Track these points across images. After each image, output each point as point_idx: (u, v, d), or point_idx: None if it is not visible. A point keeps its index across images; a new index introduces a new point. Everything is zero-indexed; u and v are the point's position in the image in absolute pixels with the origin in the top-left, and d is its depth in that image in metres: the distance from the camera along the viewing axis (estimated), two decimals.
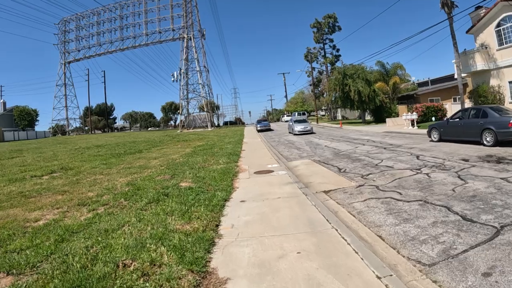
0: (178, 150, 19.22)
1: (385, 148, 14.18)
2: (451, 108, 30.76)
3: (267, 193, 7.03)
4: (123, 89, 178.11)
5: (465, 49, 27.10)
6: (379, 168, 9.64)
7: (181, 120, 61.91)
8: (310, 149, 16.22)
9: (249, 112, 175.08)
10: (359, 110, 49.70)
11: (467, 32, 28.28)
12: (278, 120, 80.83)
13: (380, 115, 36.73)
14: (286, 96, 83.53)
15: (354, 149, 14.68)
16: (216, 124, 75.01)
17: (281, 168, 10.41)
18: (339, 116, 56.38)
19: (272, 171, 9.89)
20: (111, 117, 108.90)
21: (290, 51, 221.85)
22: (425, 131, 21.01)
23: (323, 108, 71.04)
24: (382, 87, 35.95)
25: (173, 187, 7.54)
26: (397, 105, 36.84)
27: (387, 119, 30.98)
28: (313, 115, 63.69)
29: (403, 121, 31.66)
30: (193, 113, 62.54)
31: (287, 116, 66.76)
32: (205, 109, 57.41)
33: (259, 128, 38.28)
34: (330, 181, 8.51)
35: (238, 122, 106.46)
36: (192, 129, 57.56)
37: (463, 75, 41.89)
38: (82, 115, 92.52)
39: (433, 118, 26.39)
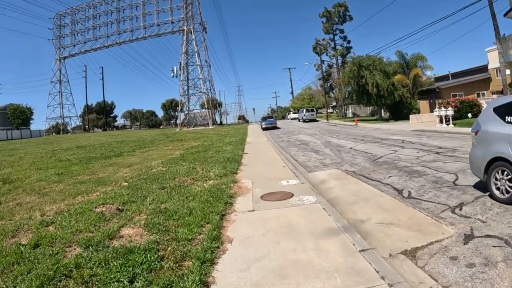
0: (166, 153, 15.54)
1: (438, 153, 10.36)
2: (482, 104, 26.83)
3: (292, 264, 3.23)
4: (124, 87, 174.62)
5: (504, 35, 23.24)
6: (465, 191, 5.84)
7: (181, 119, 58.15)
8: (332, 153, 12.42)
9: (253, 109, 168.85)
10: (373, 107, 45.87)
11: (505, 15, 24.37)
12: (283, 117, 76.91)
13: (399, 111, 32.81)
14: (292, 92, 79.40)
15: (394, 154, 10.87)
16: (219, 122, 71.28)
17: (304, 188, 6.62)
18: (349, 113, 52.41)
19: (290, 195, 6.10)
20: (111, 115, 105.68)
21: (295, 46, 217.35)
22: (465, 129, 17.29)
23: (330, 105, 67.07)
24: (401, 80, 32.00)
25: (99, 244, 3.78)
26: (417, 101, 32.90)
27: (411, 116, 27.08)
28: (321, 113, 59.72)
29: (429, 117, 27.79)
30: (193, 110, 58.82)
31: (293, 113, 62.86)
32: (206, 106, 53.63)
33: (264, 126, 34.39)
34: (399, 220, 4.73)
35: (241, 120, 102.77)
36: (193, 127, 53.90)
37: (491, 66, 37.84)
38: (82, 113, 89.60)
39: (469, 115, 22.48)
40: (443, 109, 20.79)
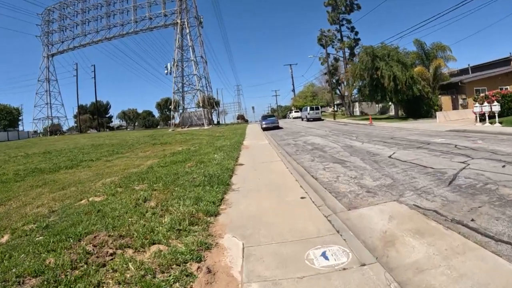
0: (133, 164, 11.59)
1: None
2: None
3: None
4: (120, 87, 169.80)
5: None
6: None
7: (174, 119, 54.04)
8: (368, 166, 8.38)
9: (253, 108, 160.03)
10: (383, 105, 41.75)
11: None
12: (284, 117, 72.77)
13: (417, 108, 28.78)
14: (293, 90, 74.98)
15: (472, 171, 6.85)
16: (216, 121, 67.18)
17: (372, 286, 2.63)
18: (357, 112, 48.31)
19: None
20: (107, 116, 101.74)
21: (296, 42, 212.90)
22: None
23: (332, 104, 63.00)
24: (422, 72, 27.93)
25: None
26: (439, 96, 28.83)
27: (438, 113, 23.11)
28: (323, 111, 55.60)
29: (457, 115, 23.87)
30: (187, 109, 54.77)
31: (295, 112, 58.75)
32: (201, 104, 49.50)
33: (264, 126, 30.21)
34: None
35: (240, 119, 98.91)
36: (187, 127, 49.82)
37: None
38: (77, 114, 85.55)
39: None
40: (485, 104, 16.81)
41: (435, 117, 26.74)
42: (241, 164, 9.76)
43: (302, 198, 5.36)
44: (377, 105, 44.79)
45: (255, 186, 6.59)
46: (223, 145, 15.55)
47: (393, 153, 9.98)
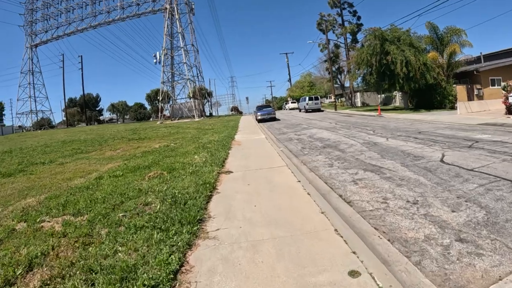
0: (86, 169, 8.74)
1: None
2: None
3: None
4: (110, 79, 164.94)
5: None
6: None
7: (162, 110, 50.74)
8: (421, 178, 5.55)
9: (246, 98, 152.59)
10: (385, 95, 39.06)
11: None
12: (280, 108, 69.63)
13: (429, 98, 26.04)
14: (289, 80, 71.40)
15: None
16: (209, 113, 64.03)
17: None
18: (358, 103, 45.45)
19: None
20: (97, 109, 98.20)
21: (293, 30, 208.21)
22: None
23: (332, 93, 60.03)
24: (435, 58, 25.10)
25: None
26: (453, 85, 26.02)
27: (459, 104, 20.29)
28: (322, 102, 52.71)
29: (478, 106, 21.15)
30: (177, 100, 51.56)
31: (291, 102, 55.68)
32: (191, 95, 46.27)
33: (259, 117, 27.16)
34: None
35: (234, 111, 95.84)
36: (177, 119, 46.76)
37: None
38: (65, 107, 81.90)
39: None
40: None
41: (450, 108, 24.06)
42: (229, 172, 6.91)
43: (352, 274, 2.50)
44: (379, 96, 42.05)
45: (248, 230, 3.71)
46: (209, 142, 12.65)
47: (442, 155, 7.16)
